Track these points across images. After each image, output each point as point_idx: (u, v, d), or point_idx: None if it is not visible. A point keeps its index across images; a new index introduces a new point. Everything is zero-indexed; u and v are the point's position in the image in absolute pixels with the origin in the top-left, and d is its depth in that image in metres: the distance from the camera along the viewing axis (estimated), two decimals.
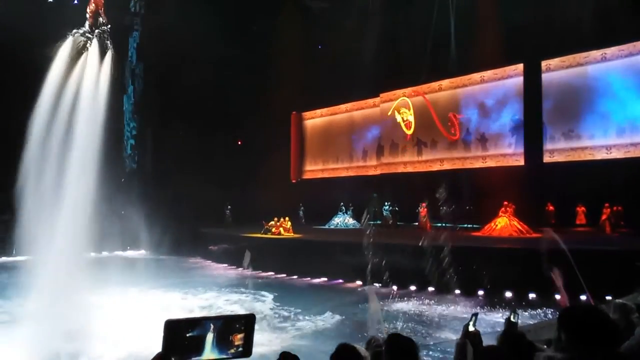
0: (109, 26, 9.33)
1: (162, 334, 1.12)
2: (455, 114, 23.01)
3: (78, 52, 9.03)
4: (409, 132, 24.89)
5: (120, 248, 23.97)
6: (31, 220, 8.79)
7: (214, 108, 25.87)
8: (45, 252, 8.82)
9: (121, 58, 25.57)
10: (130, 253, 24.38)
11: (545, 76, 20.01)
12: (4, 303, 12.00)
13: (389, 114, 25.75)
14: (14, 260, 19.95)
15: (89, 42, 9.09)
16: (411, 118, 24.88)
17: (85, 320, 8.81)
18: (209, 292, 14.66)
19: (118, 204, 20.16)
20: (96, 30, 9.11)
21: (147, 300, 13.23)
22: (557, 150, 19.63)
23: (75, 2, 24.39)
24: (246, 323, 1.18)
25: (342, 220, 24.14)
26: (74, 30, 9.11)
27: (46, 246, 8.76)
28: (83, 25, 9.36)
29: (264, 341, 9.20)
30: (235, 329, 1.17)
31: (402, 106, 25.35)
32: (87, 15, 9.36)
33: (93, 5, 9.35)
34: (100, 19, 9.27)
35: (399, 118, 25.34)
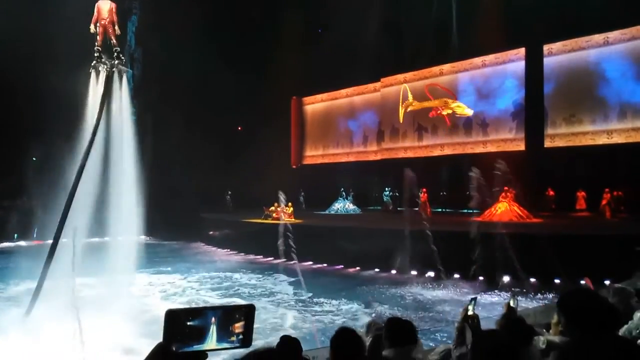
0: (118, 50, 9.46)
1: (162, 324, 1.13)
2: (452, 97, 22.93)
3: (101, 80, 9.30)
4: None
5: (120, 233, 23.98)
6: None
7: (214, 93, 25.72)
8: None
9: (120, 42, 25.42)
10: (133, 238, 24.39)
11: (547, 60, 19.88)
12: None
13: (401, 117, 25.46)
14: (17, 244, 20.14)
15: (104, 67, 9.27)
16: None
17: None
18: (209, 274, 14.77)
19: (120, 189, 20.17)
20: (115, 62, 9.30)
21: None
22: (558, 135, 19.57)
23: None
24: (246, 313, 1.19)
25: (343, 205, 24.15)
26: (93, 62, 9.32)
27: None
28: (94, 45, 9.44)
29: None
30: (235, 319, 1.18)
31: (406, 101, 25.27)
32: (96, 32, 9.39)
33: (100, 27, 9.34)
34: (113, 41, 9.34)
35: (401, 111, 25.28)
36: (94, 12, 9.53)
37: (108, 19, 9.36)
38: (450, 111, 22.43)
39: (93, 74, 9.34)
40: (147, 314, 9.85)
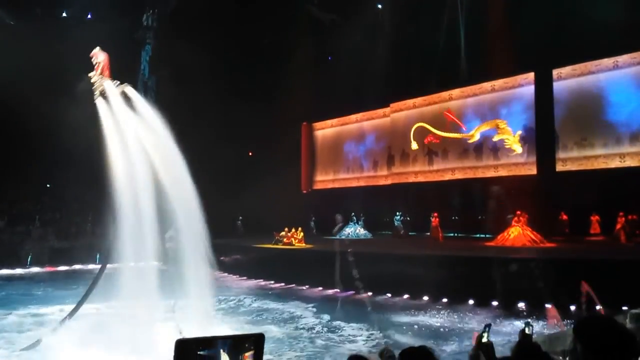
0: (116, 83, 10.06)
1: (173, 354, 1.14)
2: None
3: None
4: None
5: (131, 259, 24.04)
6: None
7: (225, 119, 26.01)
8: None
9: (134, 71, 26.22)
10: (142, 265, 24.42)
11: (556, 85, 19.92)
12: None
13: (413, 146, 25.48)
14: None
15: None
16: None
17: None
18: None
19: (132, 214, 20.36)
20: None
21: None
22: (569, 158, 19.46)
23: (89, 16, 24.88)
24: (255, 342, 1.19)
25: (354, 230, 24.06)
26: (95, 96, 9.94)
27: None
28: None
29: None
30: (245, 348, 1.18)
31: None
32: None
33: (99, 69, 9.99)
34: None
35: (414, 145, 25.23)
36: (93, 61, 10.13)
37: (101, 69, 10.04)
38: (505, 136, 21.69)
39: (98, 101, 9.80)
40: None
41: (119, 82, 10.10)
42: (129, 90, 10.08)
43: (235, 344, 1.17)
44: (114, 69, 10.41)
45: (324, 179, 30.73)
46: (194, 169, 12.09)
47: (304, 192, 30.98)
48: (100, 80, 10.01)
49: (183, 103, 25.92)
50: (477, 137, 22.48)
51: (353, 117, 28.95)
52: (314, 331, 11.40)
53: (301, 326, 11.88)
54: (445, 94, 24.06)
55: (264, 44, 26.83)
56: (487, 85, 22.39)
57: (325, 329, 11.53)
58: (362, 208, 24.58)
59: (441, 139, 23.93)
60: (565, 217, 18.70)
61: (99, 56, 10.24)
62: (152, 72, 29.58)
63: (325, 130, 31.02)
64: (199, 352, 1.14)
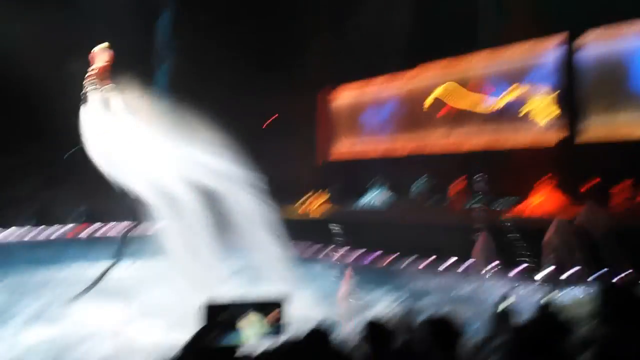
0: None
1: (202, 317, 1.15)
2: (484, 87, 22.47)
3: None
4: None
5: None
6: None
7: (241, 88, 25.85)
8: None
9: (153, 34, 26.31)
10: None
11: (583, 49, 19.25)
12: None
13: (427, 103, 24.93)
14: None
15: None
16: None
17: None
18: None
19: None
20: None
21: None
22: (594, 127, 18.95)
23: None
24: (280, 305, 1.21)
25: (372, 199, 24.06)
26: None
27: None
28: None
29: None
30: (269, 311, 1.20)
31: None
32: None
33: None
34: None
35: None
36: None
37: (102, 67, 10.28)
38: (533, 107, 21.00)
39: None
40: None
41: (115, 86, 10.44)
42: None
43: (260, 307, 1.20)
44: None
45: (342, 149, 30.55)
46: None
47: (321, 161, 30.92)
48: (98, 83, 10.24)
49: (197, 71, 25.84)
50: (501, 106, 22.02)
51: (372, 82, 28.47)
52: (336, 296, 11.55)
53: (323, 290, 12.04)
54: (469, 58, 23.45)
55: (279, 7, 26.21)
56: (512, 49, 21.75)
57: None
58: (381, 177, 24.46)
59: (462, 108, 23.52)
60: (588, 187, 18.36)
61: (100, 57, 10.41)
62: (173, 37, 29.44)
63: (343, 97, 30.64)
64: (224, 315, 1.16)
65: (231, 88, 25.57)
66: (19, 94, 21.05)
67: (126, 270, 12.18)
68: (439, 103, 24.55)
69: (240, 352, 1.01)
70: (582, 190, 18.12)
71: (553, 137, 20.12)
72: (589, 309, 3.60)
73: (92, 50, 10.50)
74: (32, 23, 18.76)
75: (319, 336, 2.94)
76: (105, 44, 10.68)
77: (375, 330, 2.94)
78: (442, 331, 2.80)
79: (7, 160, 21.95)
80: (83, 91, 10.19)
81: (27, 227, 22.55)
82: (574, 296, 9.92)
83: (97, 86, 10.13)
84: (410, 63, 25.49)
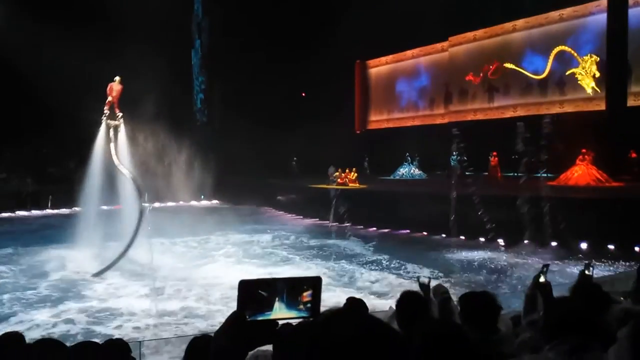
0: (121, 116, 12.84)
1: (237, 293, 1.23)
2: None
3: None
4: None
5: (195, 198, 25.24)
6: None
7: (279, 60, 25.85)
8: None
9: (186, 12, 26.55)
10: (204, 202, 25.62)
11: (632, 11, 18.21)
12: None
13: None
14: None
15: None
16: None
17: None
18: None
19: (192, 156, 21.15)
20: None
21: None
22: None
23: None
24: (313, 285, 1.28)
25: (408, 170, 23.86)
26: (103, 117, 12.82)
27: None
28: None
29: None
30: (303, 289, 1.27)
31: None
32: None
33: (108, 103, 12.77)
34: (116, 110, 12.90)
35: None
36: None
37: (115, 96, 12.82)
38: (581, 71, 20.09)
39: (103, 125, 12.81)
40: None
41: (121, 115, 12.78)
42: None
43: (294, 285, 1.26)
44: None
45: (378, 119, 30.27)
46: (247, 110, 12.67)
47: (358, 132, 30.75)
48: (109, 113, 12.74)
49: (237, 45, 25.96)
50: (545, 72, 21.20)
51: (409, 53, 27.90)
52: (371, 267, 11.68)
53: (360, 263, 12.21)
54: (508, 25, 22.61)
55: None
56: (554, 14, 20.80)
57: (382, 266, 11.78)
58: (417, 148, 24.15)
59: (502, 73, 22.78)
60: (634, 155, 17.66)
61: (114, 88, 12.78)
62: (205, 14, 29.63)
63: (379, 67, 30.18)
64: (259, 292, 1.24)
65: (270, 60, 25.66)
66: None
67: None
68: (479, 71, 23.86)
69: (278, 327, 1.08)
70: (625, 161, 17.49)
71: (599, 104, 19.32)
72: (628, 285, 3.55)
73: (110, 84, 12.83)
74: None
75: (357, 306, 3.03)
76: (118, 78, 12.86)
77: (411, 299, 2.98)
78: (481, 306, 2.80)
79: None
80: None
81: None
82: (614, 271, 9.72)
83: (108, 115, 12.64)
84: (447, 32, 24.80)
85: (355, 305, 3.07)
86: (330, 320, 0.94)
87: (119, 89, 12.89)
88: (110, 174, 12.37)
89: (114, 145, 12.37)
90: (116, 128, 12.64)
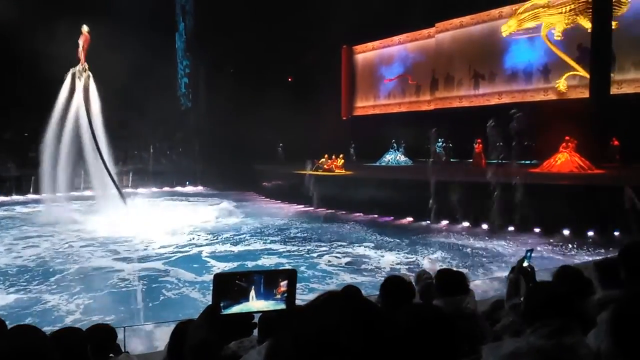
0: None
1: (211, 287, 1.21)
2: None
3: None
4: None
5: (179, 184, 25.05)
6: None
7: (264, 44, 25.57)
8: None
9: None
10: (189, 188, 25.45)
11: None
12: None
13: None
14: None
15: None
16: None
17: None
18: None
19: (175, 142, 20.97)
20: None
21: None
22: (626, 81, 18.32)
23: None
24: (289, 276, 1.27)
25: (394, 157, 23.89)
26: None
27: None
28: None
29: None
30: (278, 282, 1.26)
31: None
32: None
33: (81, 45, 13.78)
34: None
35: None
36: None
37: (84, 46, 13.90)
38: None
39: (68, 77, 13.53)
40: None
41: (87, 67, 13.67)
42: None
43: (271, 276, 1.25)
44: None
45: (365, 105, 30.23)
46: (234, 97, 12.49)
47: (344, 118, 30.70)
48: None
49: (221, 29, 25.60)
50: (529, 59, 21.26)
51: (395, 38, 27.81)
52: (361, 254, 11.75)
53: (349, 247, 12.28)
54: (495, 12, 22.64)
55: None
56: (539, 1, 20.86)
57: (368, 251, 11.85)
58: (402, 134, 24.20)
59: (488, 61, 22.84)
60: (616, 143, 17.90)
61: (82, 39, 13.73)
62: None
63: (366, 53, 30.07)
64: (234, 285, 1.23)
65: (255, 45, 25.33)
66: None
67: None
68: (464, 58, 23.89)
69: (254, 319, 1.08)
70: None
71: (583, 91, 19.47)
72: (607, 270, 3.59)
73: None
74: None
75: (353, 291, 3.04)
76: (86, 27, 13.44)
77: (396, 283, 3.00)
78: (451, 283, 2.87)
79: None
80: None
81: None
82: (595, 257, 9.89)
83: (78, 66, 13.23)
84: (434, 18, 24.72)
85: (353, 291, 3.08)
86: (330, 304, 0.92)
87: (86, 38, 13.68)
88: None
89: (85, 98, 13.18)
90: (87, 79, 13.39)
